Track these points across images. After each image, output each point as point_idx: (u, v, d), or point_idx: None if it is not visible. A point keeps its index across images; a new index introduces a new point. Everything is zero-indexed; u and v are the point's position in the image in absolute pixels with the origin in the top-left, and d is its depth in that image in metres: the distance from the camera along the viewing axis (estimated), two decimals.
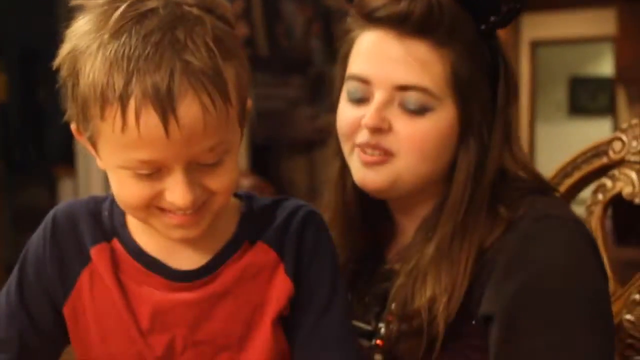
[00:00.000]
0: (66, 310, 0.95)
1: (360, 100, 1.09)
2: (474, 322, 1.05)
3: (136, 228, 0.95)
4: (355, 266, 1.17)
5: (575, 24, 7.43)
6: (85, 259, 0.95)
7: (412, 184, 1.09)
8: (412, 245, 1.11)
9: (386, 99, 1.06)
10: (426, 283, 1.05)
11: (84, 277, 0.95)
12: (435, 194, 1.12)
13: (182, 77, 0.80)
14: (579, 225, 1.08)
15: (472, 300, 1.04)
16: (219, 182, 0.87)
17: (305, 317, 0.96)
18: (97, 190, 3.97)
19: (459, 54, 1.06)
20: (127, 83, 0.80)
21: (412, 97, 1.05)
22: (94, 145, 0.88)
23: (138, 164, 0.83)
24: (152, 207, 0.87)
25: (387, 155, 1.07)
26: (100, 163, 0.89)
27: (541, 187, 1.14)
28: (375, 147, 1.07)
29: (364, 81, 1.08)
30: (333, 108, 1.14)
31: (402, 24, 1.05)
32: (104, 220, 0.96)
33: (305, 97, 4.25)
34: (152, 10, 0.82)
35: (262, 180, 3.47)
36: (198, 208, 0.88)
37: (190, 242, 0.93)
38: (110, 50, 0.81)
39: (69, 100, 0.87)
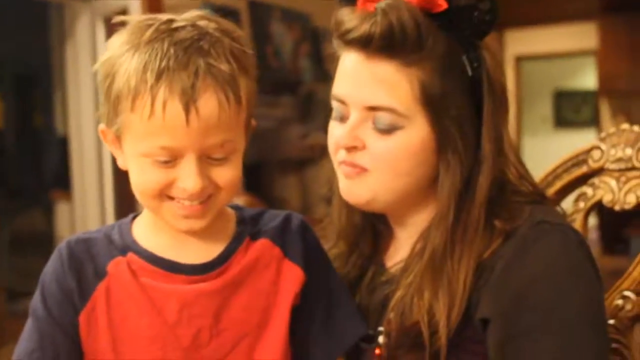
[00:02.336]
0: (81, 319, 1.03)
1: (342, 119, 1.13)
2: (472, 327, 1.05)
3: (146, 241, 1.06)
4: (357, 273, 1.22)
5: (558, 38, 7.51)
6: (102, 275, 1.04)
7: (391, 198, 1.13)
8: (410, 257, 1.14)
9: (359, 119, 1.10)
10: (423, 297, 1.07)
11: (99, 292, 1.03)
12: (428, 207, 1.15)
13: (205, 76, 0.95)
14: (574, 231, 1.10)
15: (471, 306, 1.06)
16: (224, 177, 0.99)
17: (319, 303, 1.10)
18: (93, 214, 4.00)
19: (428, 71, 1.07)
20: (158, 78, 0.94)
21: (382, 117, 1.09)
22: (119, 139, 1.00)
23: (158, 150, 0.96)
24: (164, 195, 0.99)
25: (363, 171, 1.11)
26: (122, 161, 1.02)
27: (539, 198, 1.14)
28: (350, 164, 1.12)
29: (342, 101, 1.12)
30: (324, 126, 1.19)
31: (367, 46, 1.08)
32: (116, 241, 1.06)
33: (296, 116, 4.28)
34: (182, 27, 0.97)
35: (256, 198, 3.54)
36: (204, 200, 0.99)
37: (197, 241, 1.05)
38: (145, 53, 0.95)
39: (102, 101, 1.00)
